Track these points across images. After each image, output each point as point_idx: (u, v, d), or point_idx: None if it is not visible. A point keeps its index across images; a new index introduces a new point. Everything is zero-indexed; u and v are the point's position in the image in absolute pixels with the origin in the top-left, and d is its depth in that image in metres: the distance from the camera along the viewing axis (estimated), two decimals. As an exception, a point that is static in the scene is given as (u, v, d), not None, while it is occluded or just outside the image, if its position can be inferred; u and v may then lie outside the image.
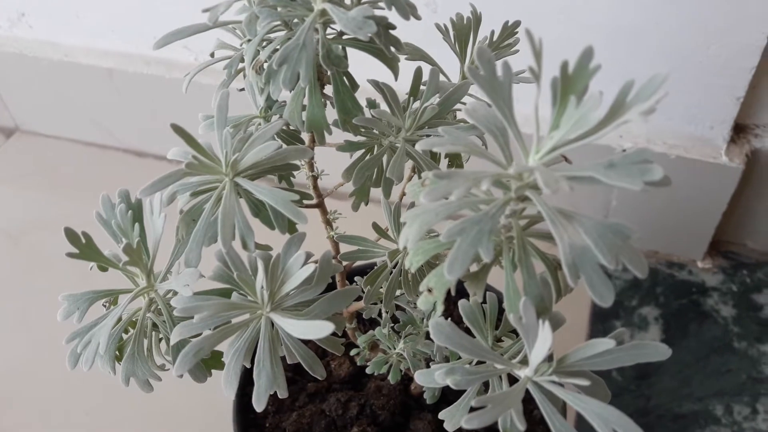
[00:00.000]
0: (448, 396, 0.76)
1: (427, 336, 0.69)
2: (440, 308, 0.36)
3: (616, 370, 1.04)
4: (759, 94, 0.93)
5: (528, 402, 0.42)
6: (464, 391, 0.64)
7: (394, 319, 0.70)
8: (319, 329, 0.36)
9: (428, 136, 0.46)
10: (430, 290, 0.37)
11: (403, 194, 0.60)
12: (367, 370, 0.67)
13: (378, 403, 0.73)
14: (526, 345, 0.34)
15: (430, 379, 0.39)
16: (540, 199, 0.33)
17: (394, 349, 0.69)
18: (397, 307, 0.68)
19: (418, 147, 0.33)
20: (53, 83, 1.33)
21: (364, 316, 0.69)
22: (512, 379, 0.39)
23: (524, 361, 0.37)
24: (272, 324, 0.41)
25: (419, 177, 0.51)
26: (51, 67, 1.29)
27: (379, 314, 0.71)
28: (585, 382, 0.32)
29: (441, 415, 0.42)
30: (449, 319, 0.49)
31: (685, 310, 1.06)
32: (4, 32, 1.31)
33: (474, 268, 0.41)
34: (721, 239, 1.11)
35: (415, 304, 0.69)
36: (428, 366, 0.71)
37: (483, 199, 0.35)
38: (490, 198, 0.35)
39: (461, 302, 0.41)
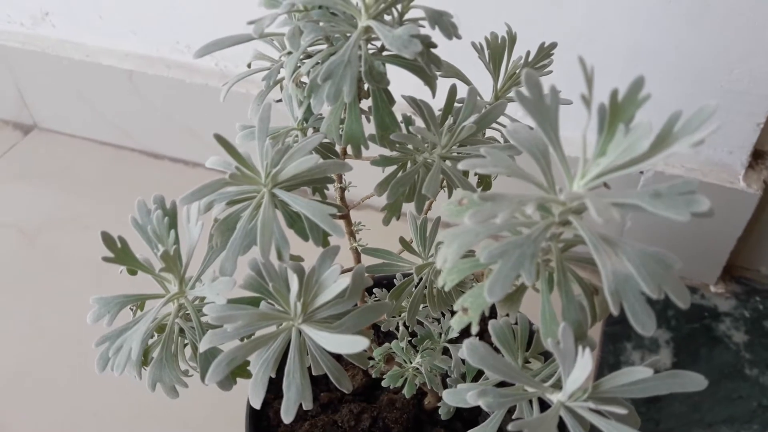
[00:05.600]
0: (462, 413, 0.76)
1: (444, 351, 0.69)
2: (475, 328, 0.36)
3: (625, 391, 1.04)
4: (779, 121, 0.94)
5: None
6: (478, 408, 0.64)
7: (412, 333, 0.70)
8: (353, 344, 0.36)
9: (463, 153, 0.46)
10: (465, 310, 0.37)
11: (429, 209, 0.60)
12: (383, 383, 0.67)
13: (391, 416, 0.73)
14: (562, 370, 0.34)
15: (459, 399, 0.39)
16: (583, 225, 0.33)
17: (410, 362, 0.69)
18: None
19: (461, 166, 0.33)
20: (73, 83, 1.34)
21: (382, 329, 0.69)
22: (542, 403, 0.39)
23: (556, 386, 0.37)
24: (300, 335, 0.42)
25: (449, 194, 0.52)
26: (72, 66, 1.30)
27: (397, 327, 0.71)
28: (623, 411, 0.32)
29: (467, 435, 0.42)
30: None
31: (696, 335, 1.06)
32: (28, 30, 1.32)
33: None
34: (734, 264, 1.11)
35: (434, 318, 0.69)
36: (444, 381, 0.71)
37: (523, 222, 0.35)
38: (529, 221, 0.35)
39: (492, 322, 0.41)
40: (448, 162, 0.46)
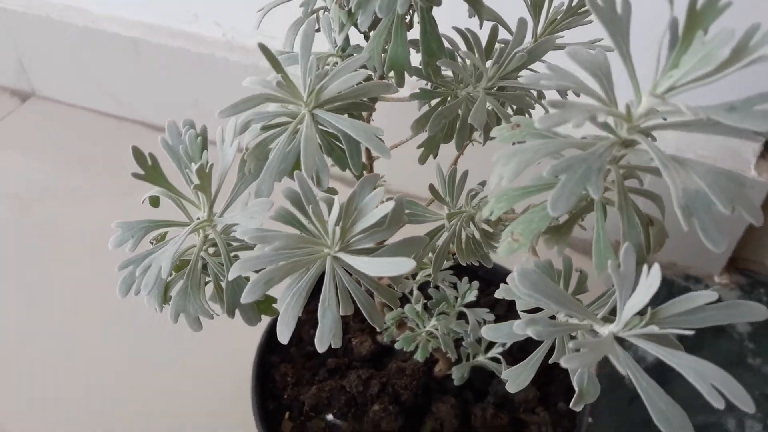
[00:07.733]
0: (473, 382, 0.74)
1: (459, 316, 0.68)
2: (525, 257, 0.35)
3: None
4: (794, 109, 0.93)
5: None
6: (493, 375, 0.62)
7: (426, 297, 0.69)
8: (397, 266, 0.34)
9: (509, 88, 0.44)
10: (514, 237, 0.36)
11: (455, 163, 0.58)
12: (396, 345, 0.66)
13: (400, 382, 0.71)
14: (619, 296, 0.33)
15: (502, 333, 0.37)
16: (651, 144, 0.31)
17: (424, 327, 0.67)
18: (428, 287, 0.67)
19: (523, 80, 0.32)
20: (76, 50, 1.31)
21: (397, 290, 0.67)
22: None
23: (606, 320, 0.36)
24: (333, 267, 0.40)
25: (484, 141, 0.50)
26: (75, 33, 1.27)
27: (410, 292, 0.70)
28: (689, 332, 0.30)
29: (504, 375, 0.40)
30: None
31: (701, 324, 1.05)
32: (31, -7, 1.29)
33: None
34: (740, 256, 1.10)
35: (450, 283, 0.67)
36: (457, 347, 0.69)
37: (584, 143, 0.34)
38: (588, 142, 0.34)
39: (535, 261, 0.40)
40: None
